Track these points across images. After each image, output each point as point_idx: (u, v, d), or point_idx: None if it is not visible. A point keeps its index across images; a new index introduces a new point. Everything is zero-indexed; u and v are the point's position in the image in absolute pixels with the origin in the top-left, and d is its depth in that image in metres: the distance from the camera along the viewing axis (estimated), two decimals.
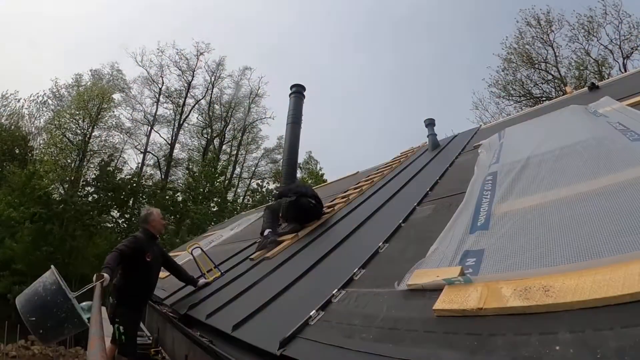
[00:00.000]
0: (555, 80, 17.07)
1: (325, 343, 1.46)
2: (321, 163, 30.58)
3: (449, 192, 2.87)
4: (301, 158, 27.35)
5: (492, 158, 3.02)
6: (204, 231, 15.77)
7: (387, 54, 51.75)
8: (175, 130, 27.14)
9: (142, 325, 4.48)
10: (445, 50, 47.29)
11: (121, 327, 2.96)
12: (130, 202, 22.52)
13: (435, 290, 1.39)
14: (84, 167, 22.32)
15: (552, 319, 1.00)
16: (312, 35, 51.94)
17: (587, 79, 15.19)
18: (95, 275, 2.50)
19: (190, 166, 26.49)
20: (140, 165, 25.25)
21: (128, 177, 23.37)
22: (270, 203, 4.77)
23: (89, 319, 2.10)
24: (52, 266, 2.50)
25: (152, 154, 26.53)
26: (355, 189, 5.15)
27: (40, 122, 23.70)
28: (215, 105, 28.83)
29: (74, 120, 22.33)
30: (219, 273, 3.79)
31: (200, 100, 28.23)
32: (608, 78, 10.49)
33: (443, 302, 1.28)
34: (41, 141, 23.10)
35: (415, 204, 2.92)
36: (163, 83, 26.95)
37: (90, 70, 24.75)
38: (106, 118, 23.70)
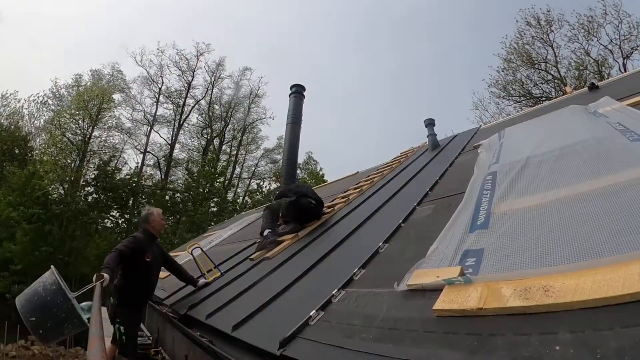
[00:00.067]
0: (555, 80, 17.08)
1: (325, 343, 1.46)
2: (321, 163, 30.67)
3: (449, 192, 2.87)
4: (301, 158, 27.43)
5: (492, 158, 3.02)
6: (204, 231, 15.77)
7: (387, 54, 51.83)
8: (175, 130, 27.17)
9: (142, 325, 4.48)
10: (445, 50, 47.38)
11: (122, 327, 2.95)
12: (130, 202, 22.53)
13: (435, 290, 1.39)
14: (84, 168, 22.31)
15: (552, 319, 1.00)
16: (312, 35, 52.02)
17: (587, 79, 15.20)
18: (95, 276, 2.50)
19: (190, 166, 26.51)
20: (140, 165, 25.27)
21: (128, 177, 23.38)
22: (269, 203, 4.77)
23: (88, 319, 2.10)
24: (52, 266, 2.50)
25: (152, 154, 26.56)
26: (355, 189, 5.15)
27: (40, 122, 23.73)
28: (215, 105, 28.89)
29: (73, 121, 22.32)
30: (219, 273, 3.79)
31: (200, 100, 28.28)
32: (608, 78, 10.50)
33: (443, 302, 1.28)
34: (41, 141, 23.12)
35: (415, 204, 2.92)
36: (163, 83, 27.00)
37: (90, 70, 24.77)
38: (106, 118, 23.71)
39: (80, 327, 2.25)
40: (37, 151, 22.74)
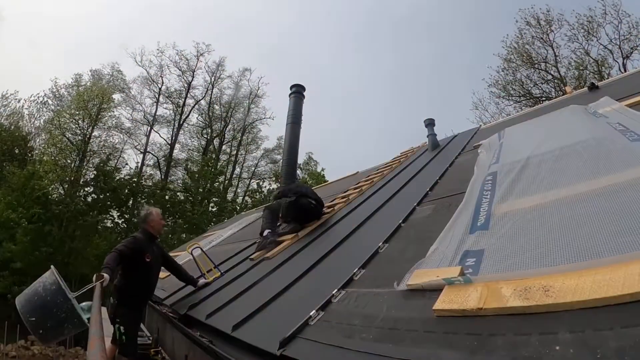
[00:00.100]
0: (555, 80, 17.08)
1: (325, 343, 1.46)
2: (321, 163, 30.63)
3: (449, 192, 2.87)
4: (301, 159, 27.42)
5: (492, 158, 3.02)
6: (203, 231, 15.77)
7: (387, 54, 51.82)
8: (175, 130, 27.18)
9: (142, 325, 4.48)
10: (445, 50, 47.37)
11: (122, 327, 2.95)
12: (130, 202, 22.52)
13: (435, 290, 1.39)
14: (84, 168, 22.30)
15: (552, 319, 1.00)
16: (312, 35, 51.99)
17: (586, 79, 15.20)
18: (95, 276, 2.50)
19: (190, 166, 26.51)
20: (140, 165, 25.27)
21: (128, 177, 23.38)
22: (269, 203, 4.77)
23: (88, 319, 2.10)
24: (52, 266, 2.50)
25: (152, 154, 26.55)
26: (355, 189, 5.15)
27: (40, 122, 23.72)
28: (215, 105, 28.88)
29: (73, 121, 22.31)
30: (219, 273, 3.79)
31: (200, 100, 28.28)
32: (608, 78, 10.50)
33: (443, 302, 1.28)
34: (41, 141, 23.11)
35: (415, 204, 2.92)
36: (163, 83, 26.98)
37: (90, 70, 24.74)
38: (106, 118, 23.70)
39: (80, 327, 2.25)
40: (37, 151, 22.73)
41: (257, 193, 26.77)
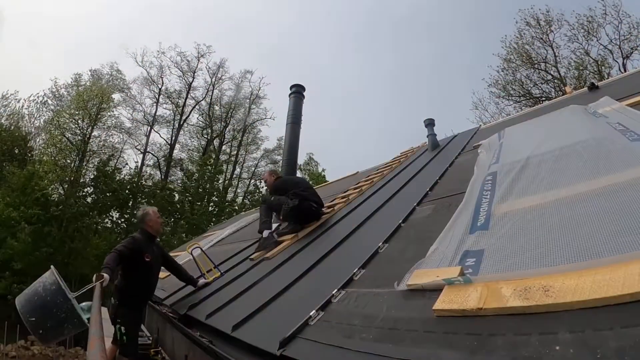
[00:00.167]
0: (555, 80, 17.08)
1: (325, 343, 1.46)
2: (321, 163, 30.66)
3: (449, 192, 2.87)
4: (301, 159, 27.43)
5: (491, 158, 3.02)
6: (203, 231, 15.77)
7: (387, 54, 51.88)
8: (175, 130, 27.18)
9: (142, 325, 4.48)
10: (445, 50, 47.43)
11: (122, 328, 2.96)
12: (130, 202, 22.51)
13: (435, 290, 1.39)
14: (84, 168, 22.31)
15: (552, 319, 1.00)
16: (312, 35, 52.05)
17: (586, 79, 15.21)
18: (95, 276, 2.50)
19: (190, 167, 26.52)
20: (139, 165, 25.27)
21: (128, 177, 23.39)
22: (265, 196, 4.76)
23: (88, 319, 2.10)
24: (52, 266, 2.50)
25: (151, 154, 26.58)
26: (355, 189, 5.15)
27: (40, 122, 23.73)
28: (215, 106, 28.92)
29: (73, 121, 22.31)
30: (219, 273, 3.79)
31: (200, 101, 28.33)
32: (608, 78, 10.50)
33: (443, 302, 1.28)
34: (41, 141, 23.11)
35: (415, 204, 2.92)
36: (163, 84, 27.01)
37: (90, 70, 24.79)
38: (105, 118, 23.71)
39: (80, 327, 2.25)
40: (36, 151, 22.74)
41: (257, 193, 26.77)
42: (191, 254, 4.31)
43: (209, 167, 24.86)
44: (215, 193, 24.90)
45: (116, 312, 3.01)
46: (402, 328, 1.31)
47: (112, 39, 40.27)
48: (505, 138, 3.66)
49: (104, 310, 2.63)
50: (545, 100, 15.04)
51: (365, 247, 2.39)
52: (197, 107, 28.20)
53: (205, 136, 28.55)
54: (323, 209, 4.27)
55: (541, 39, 17.27)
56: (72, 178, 21.10)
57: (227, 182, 27.55)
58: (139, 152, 25.83)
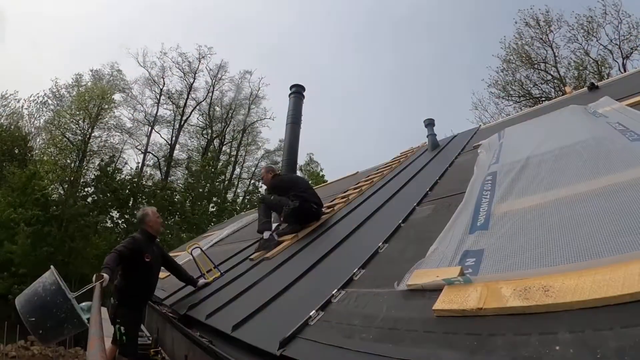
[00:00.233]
0: (555, 81, 17.09)
1: (325, 343, 1.46)
2: (321, 163, 30.67)
3: (449, 192, 2.87)
4: (301, 159, 27.42)
5: (491, 158, 3.01)
6: (203, 231, 15.77)
7: (387, 54, 51.91)
8: (175, 131, 27.20)
9: (142, 325, 4.48)
10: (445, 50, 47.46)
11: (122, 328, 2.96)
12: (130, 202, 22.52)
13: (435, 290, 1.39)
14: (84, 168, 22.31)
15: (552, 319, 1.00)
16: (312, 35, 52.08)
17: (586, 79, 15.21)
18: (94, 276, 2.50)
19: (191, 165, 26.53)
20: (140, 165, 25.28)
21: (129, 177, 23.39)
22: (264, 195, 4.76)
23: (88, 319, 2.10)
24: (51, 266, 2.50)
25: (152, 154, 26.59)
26: (355, 189, 5.14)
27: (40, 122, 23.72)
28: (215, 106, 28.95)
29: (73, 121, 22.32)
30: (219, 273, 3.78)
31: (201, 102, 28.37)
32: (607, 78, 10.50)
33: (443, 302, 1.28)
34: (41, 141, 23.11)
35: (415, 204, 2.92)
36: (164, 84, 27.03)
37: (91, 70, 24.81)
38: (106, 118, 23.72)
39: (80, 327, 2.25)
40: (37, 151, 22.74)
41: (256, 193, 26.78)
42: (191, 254, 4.31)
43: (211, 167, 24.87)
44: (216, 193, 24.90)
45: (116, 312, 3.01)
46: (402, 328, 1.31)
47: (112, 39, 40.40)
48: (505, 138, 3.66)
49: (104, 310, 2.63)
50: (545, 100, 15.04)
51: (365, 247, 2.39)
52: (197, 107, 28.27)
53: (206, 136, 28.59)
54: (323, 209, 4.26)
55: (541, 39, 17.29)
56: (72, 178, 21.09)
57: (227, 182, 27.56)
58: (140, 152, 25.89)
